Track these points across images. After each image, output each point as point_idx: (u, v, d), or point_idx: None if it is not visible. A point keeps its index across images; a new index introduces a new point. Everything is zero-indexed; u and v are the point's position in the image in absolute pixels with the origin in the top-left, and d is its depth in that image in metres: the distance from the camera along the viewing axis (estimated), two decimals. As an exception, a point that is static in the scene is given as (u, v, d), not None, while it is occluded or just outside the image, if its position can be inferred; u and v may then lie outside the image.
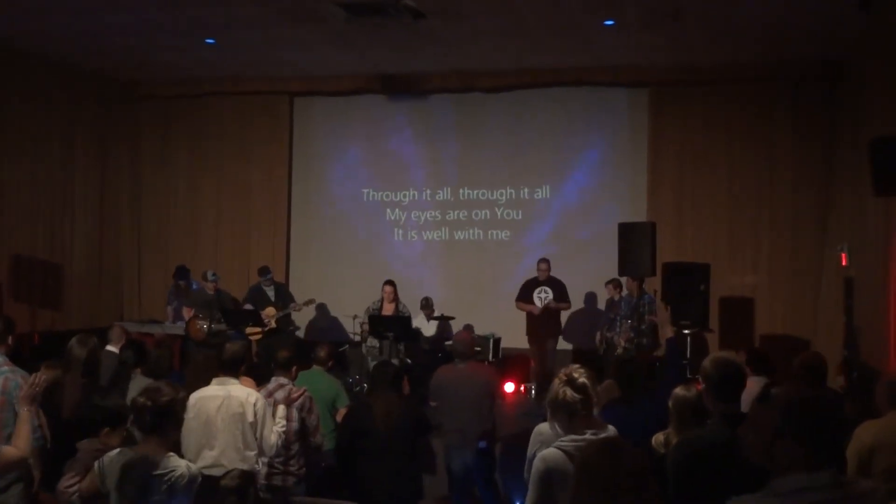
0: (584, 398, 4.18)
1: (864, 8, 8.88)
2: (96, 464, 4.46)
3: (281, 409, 6.30)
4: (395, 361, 10.73)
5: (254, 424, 5.90)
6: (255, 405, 5.92)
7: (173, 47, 12.41)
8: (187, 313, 12.44)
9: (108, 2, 10.35)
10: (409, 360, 11.53)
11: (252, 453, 5.92)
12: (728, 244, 12.87)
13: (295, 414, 6.55)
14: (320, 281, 14.28)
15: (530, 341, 12.34)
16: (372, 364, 11.26)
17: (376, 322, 11.68)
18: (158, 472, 4.27)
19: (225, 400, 5.88)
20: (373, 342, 12.02)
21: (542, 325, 12.19)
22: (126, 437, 5.09)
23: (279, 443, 6.10)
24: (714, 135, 12.99)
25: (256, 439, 5.93)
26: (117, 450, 4.51)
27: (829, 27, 10.65)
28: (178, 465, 4.35)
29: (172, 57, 12.97)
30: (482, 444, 7.54)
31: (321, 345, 8.23)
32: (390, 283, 12.24)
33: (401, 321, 11.72)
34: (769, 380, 7.41)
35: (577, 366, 4.36)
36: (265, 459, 6.30)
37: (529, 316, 12.27)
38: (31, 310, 12.75)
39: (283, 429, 6.21)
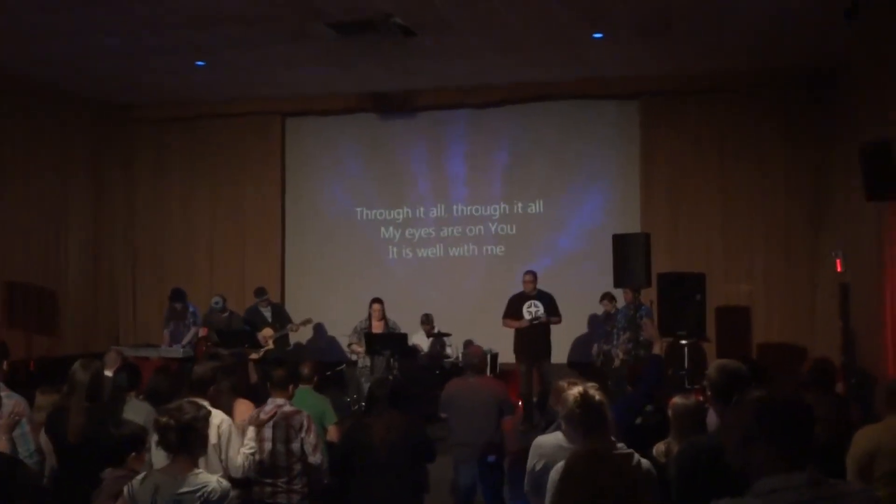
0: (601, 416, 4.23)
1: (851, 17, 8.92)
2: (126, 489, 4.43)
3: (251, 430, 6.24)
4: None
5: (216, 447, 5.76)
6: (219, 427, 5.76)
7: (164, 70, 12.44)
8: (203, 332, 12.49)
9: (99, 25, 10.37)
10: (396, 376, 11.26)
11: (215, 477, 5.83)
12: (722, 253, 12.88)
13: (268, 433, 6.46)
14: (316, 300, 14.24)
15: (519, 359, 11.88)
16: (366, 384, 11.20)
17: (372, 340, 11.64)
18: (189, 489, 4.27)
19: None
20: (364, 361, 11.95)
21: (532, 343, 11.73)
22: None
23: (247, 465, 6.00)
24: (705, 144, 13.03)
25: (221, 461, 5.85)
26: (143, 474, 4.50)
27: (817, 36, 10.70)
28: (209, 480, 4.34)
29: (164, 79, 12.99)
30: (491, 458, 7.51)
31: (304, 362, 8.15)
32: (378, 300, 12.17)
33: (396, 338, 11.69)
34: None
35: (593, 384, 4.38)
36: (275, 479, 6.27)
37: (519, 333, 11.87)
38: (26, 336, 12.71)
39: (252, 451, 6.12)
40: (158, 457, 5.03)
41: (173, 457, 4.39)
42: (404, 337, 11.76)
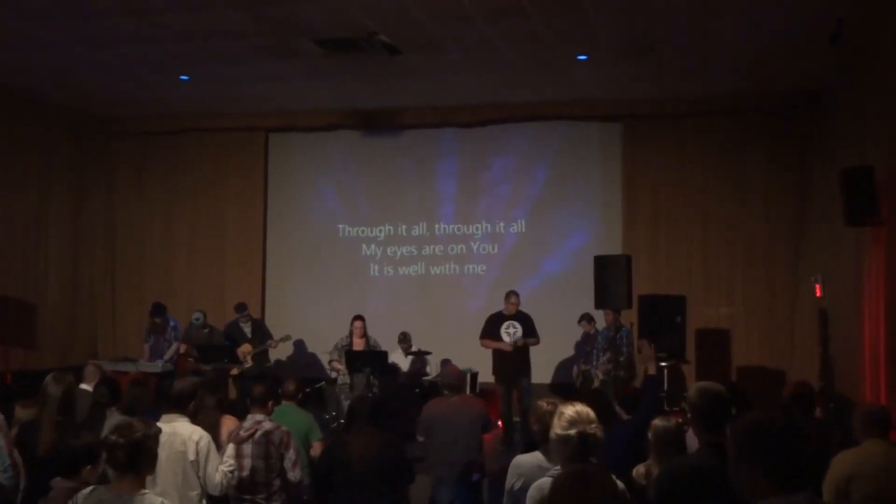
0: (594, 451, 4.26)
1: (835, 42, 9.01)
2: (70, 502, 4.39)
3: (230, 447, 6.20)
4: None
5: (194, 463, 5.74)
6: (197, 443, 5.75)
7: (148, 83, 12.39)
8: (184, 349, 12.44)
9: (83, 38, 10.34)
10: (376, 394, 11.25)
11: (194, 493, 5.75)
12: (703, 276, 12.93)
13: (248, 450, 6.43)
14: (297, 317, 14.21)
15: (499, 380, 11.80)
16: (345, 401, 11.17)
17: (353, 357, 11.61)
18: None
19: (169, 437, 5.70)
20: (344, 379, 11.90)
21: (512, 363, 11.64)
22: (102, 474, 5.00)
23: (224, 482, 5.96)
24: (687, 167, 13.08)
25: (199, 478, 5.82)
26: (90, 488, 4.42)
27: (800, 60, 10.78)
28: (154, 502, 4.26)
29: (147, 93, 12.95)
30: (475, 478, 7.49)
31: (289, 379, 8.17)
32: (360, 318, 12.18)
33: (377, 356, 11.66)
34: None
35: (592, 412, 4.39)
36: (254, 495, 6.23)
37: (497, 353, 11.77)
38: (3, 349, 12.60)
39: (231, 468, 6.09)
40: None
41: (121, 475, 4.27)
42: (384, 355, 11.74)
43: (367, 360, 11.57)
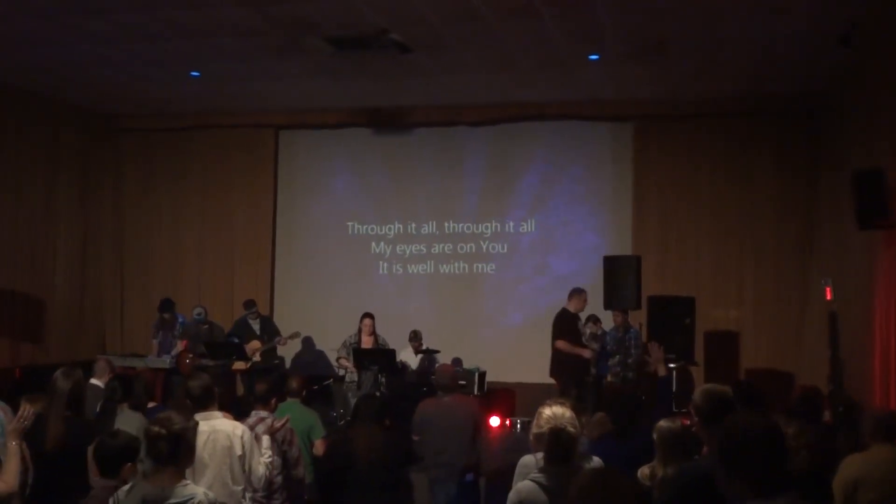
0: (569, 449, 4.48)
1: (845, 43, 8.97)
2: (111, 499, 4.38)
3: (266, 439, 6.23)
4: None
5: (242, 457, 5.79)
6: (242, 437, 5.80)
7: (158, 80, 12.41)
8: (182, 346, 12.43)
9: (91, 35, 10.35)
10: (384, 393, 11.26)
11: (239, 488, 5.80)
12: (712, 277, 12.87)
13: (276, 446, 6.48)
14: (305, 314, 14.20)
15: (566, 380, 11.07)
16: (352, 399, 11.17)
17: (361, 355, 11.60)
18: (177, 501, 4.19)
19: (211, 434, 5.75)
20: (352, 377, 11.91)
21: (581, 365, 11.29)
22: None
23: (267, 474, 6.02)
24: (697, 168, 13.04)
25: (244, 472, 5.85)
26: (130, 484, 4.42)
27: (811, 62, 10.75)
28: (196, 492, 4.27)
29: (156, 90, 12.97)
30: (468, 478, 7.47)
31: (293, 376, 8.23)
32: (369, 315, 12.19)
33: (385, 354, 11.66)
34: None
35: (568, 413, 4.53)
36: (254, 493, 6.24)
37: (568, 354, 11.26)
38: (12, 344, 12.66)
39: (270, 459, 6.13)
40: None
41: (161, 467, 4.28)
42: (392, 353, 11.74)
43: (375, 357, 11.57)
